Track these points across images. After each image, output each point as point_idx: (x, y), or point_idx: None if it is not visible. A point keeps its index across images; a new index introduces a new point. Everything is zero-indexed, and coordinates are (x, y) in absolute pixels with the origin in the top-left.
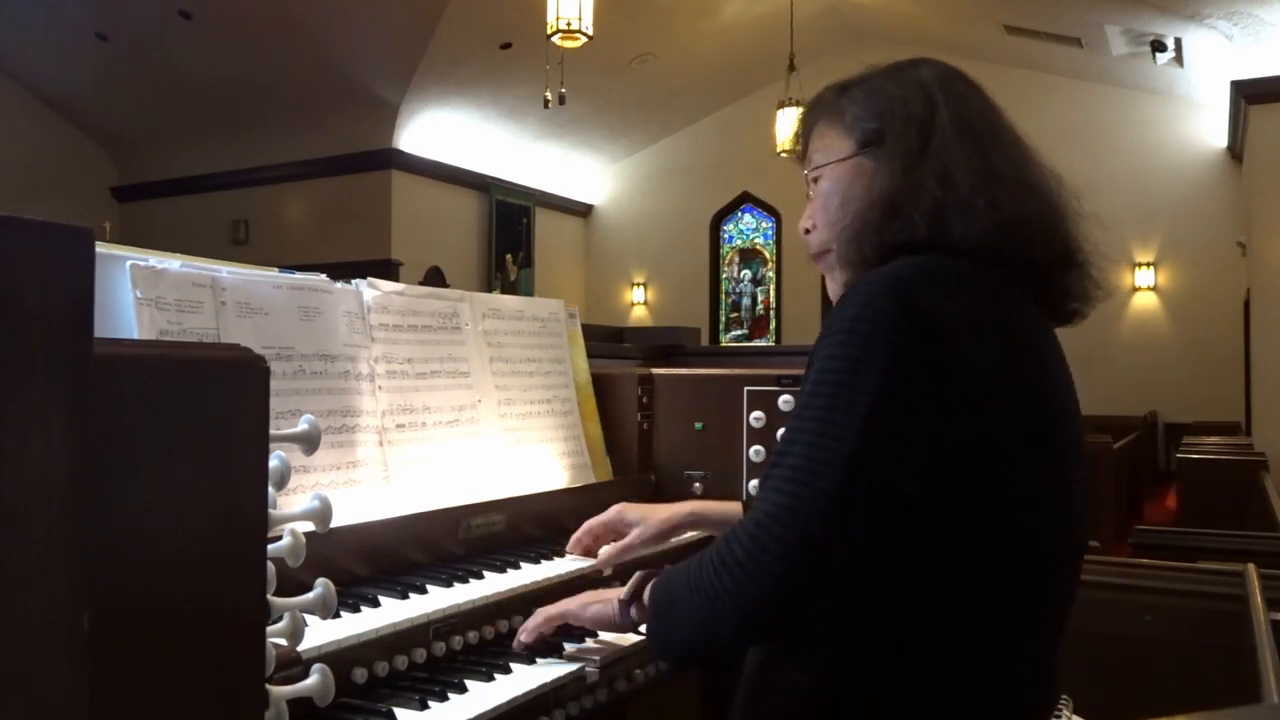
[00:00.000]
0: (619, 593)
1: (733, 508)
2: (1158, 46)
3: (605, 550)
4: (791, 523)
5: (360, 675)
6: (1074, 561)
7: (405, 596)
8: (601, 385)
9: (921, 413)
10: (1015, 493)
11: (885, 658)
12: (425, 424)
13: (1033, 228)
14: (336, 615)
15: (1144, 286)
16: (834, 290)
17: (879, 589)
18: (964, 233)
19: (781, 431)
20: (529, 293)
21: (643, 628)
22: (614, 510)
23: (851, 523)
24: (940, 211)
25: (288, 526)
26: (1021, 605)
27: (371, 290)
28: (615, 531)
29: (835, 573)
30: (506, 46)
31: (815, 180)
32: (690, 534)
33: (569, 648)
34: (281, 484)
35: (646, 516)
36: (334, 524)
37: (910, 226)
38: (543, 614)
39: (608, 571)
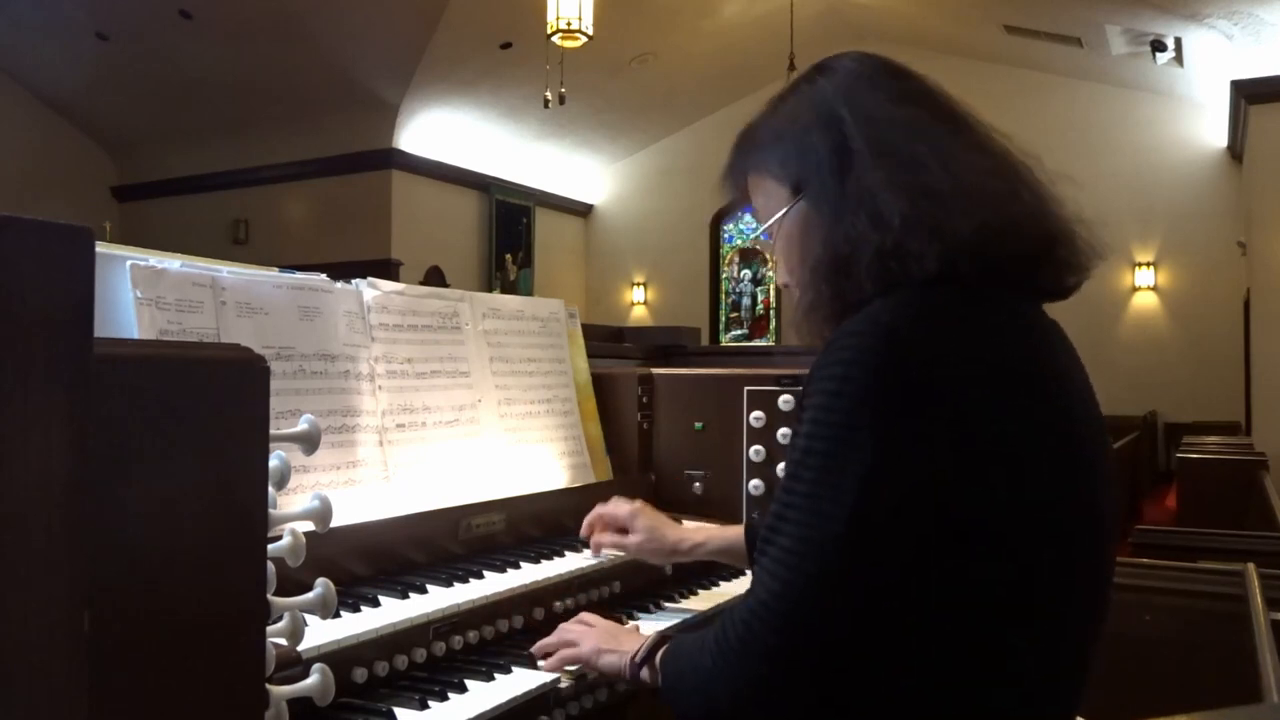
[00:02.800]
0: (634, 642)
1: (733, 534)
2: (1158, 46)
3: (606, 538)
4: (783, 611)
5: (360, 675)
6: (1100, 569)
7: (405, 596)
8: (601, 385)
9: (923, 475)
10: (1027, 508)
11: (889, 682)
12: (425, 424)
13: (993, 232)
14: (336, 615)
15: (1144, 286)
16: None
17: (881, 627)
18: (920, 272)
19: (781, 433)
20: (529, 293)
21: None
22: (629, 510)
23: (844, 602)
24: (883, 258)
25: (288, 526)
26: (1043, 675)
27: (371, 290)
28: (623, 528)
29: (830, 649)
30: (506, 46)
31: (772, 236)
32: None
33: None
34: (281, 484)
35: (653, 532)
36: (334, 524)
37: (859, 286)
38: (560, 654)
39: (606, 563)
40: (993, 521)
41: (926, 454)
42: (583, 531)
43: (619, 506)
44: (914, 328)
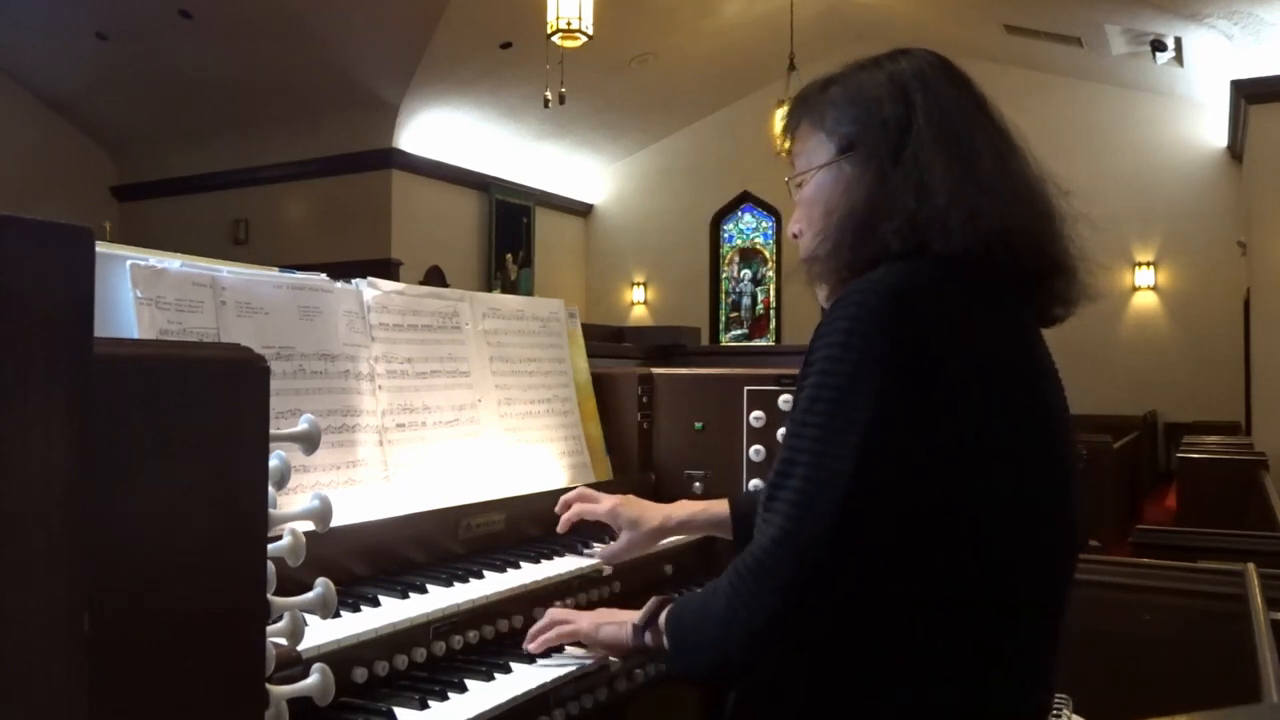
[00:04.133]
0: (632, 615)
1: (720, 508)
2: (1158, 46)
3: (601, 550)
4: (795, 547)
5: (360, 675)
6: (1071, 563)
7: (405, 596)
8: (601, 385)
9: (919, 428)
10: (1016, 499)
11: (882, 661)
12: (425, 424)
13: (1015, 238)
14: (336, 615)
15: (1144, 286)
16: (821, 298)
17: (878, 597)
18: (942, 248)
19: (782, 432)
20: (529, 292)
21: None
22: (608, 507)
23: (853, 542)
24: (915, 226)
25: (288, 526)
26: (1021, 610)
27: (371, 290)
28: (606, 527)
29: (840, 590)
30: (506, 46)
31: (800, 185)
32: (685, 536)
33: (568, 647)
34: (281, 484)
35: (638, 522)
36: (334, 524)
37: (884, 243)
38: (555, 630)
39: (608, 570)
40: (990, 516)
41: (923, 402)
42: (562, 527)
43: (594, 507)
44: (915, 290)
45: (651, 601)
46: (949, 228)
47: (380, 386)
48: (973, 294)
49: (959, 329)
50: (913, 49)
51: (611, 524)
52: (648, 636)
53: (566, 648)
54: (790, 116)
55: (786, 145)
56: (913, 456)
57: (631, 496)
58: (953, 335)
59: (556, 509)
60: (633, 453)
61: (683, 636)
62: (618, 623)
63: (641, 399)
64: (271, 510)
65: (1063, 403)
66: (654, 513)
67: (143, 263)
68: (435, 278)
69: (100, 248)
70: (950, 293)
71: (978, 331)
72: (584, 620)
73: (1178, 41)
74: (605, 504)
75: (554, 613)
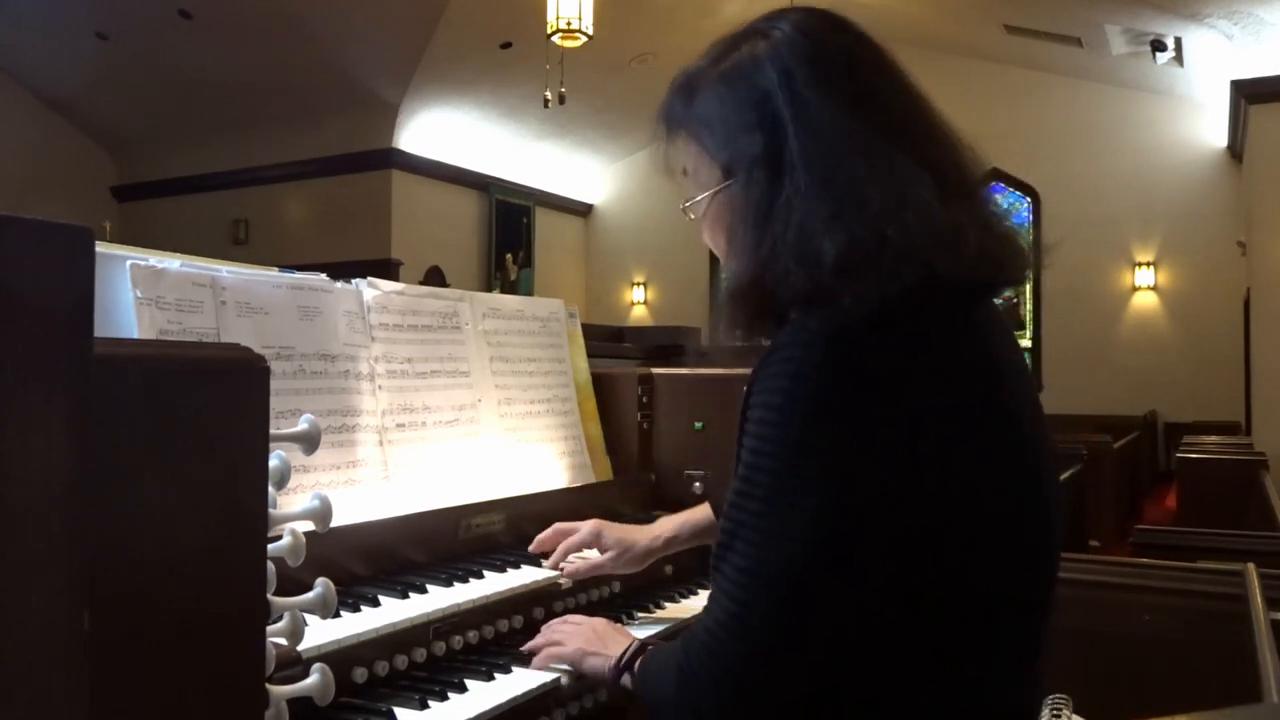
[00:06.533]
0: (619, 646)
1: (702, 516)
2: (1158, 46)
3: (573, 565)
4: (743, 633)
5: (360, 675)
6: (1050, 565)
7: (405, 596)
8: (601, 385)
9: (878, 483)
10: (991, 537)
11: (850, 692)
12: (425, 424)
13: (936, 282)
14: (336, 615)
15: (1144, 286)
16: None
17: (850, 652)
18: (856, 310)
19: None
20: (529, 292)
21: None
22: (589, 530)
23: (806, 620)
24: (814, 297)
25: (288, 526)
26: (997, 659)
27: (371, 290)
28: (588, 547)
29: (797, 666)
30: (506, 46)
31: (702, 211)
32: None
33: None
34: (281, 484)
35: (624, 544)
36: (334, 524)
37: (778, 305)
38: (545, 652)
39: (626, 570)
40: (954, 537)
41: (881, 453)
42: (533, 547)
43: (578, 535)
44: (856, 332)
45: (634, 645)
46: (854, 298)
47: (380, 386)
48: (911, 310)
49: (902, 356)
50: (781, 18)
51: (597, 545)
52: (626, 679)
53: None
54: (667, 120)
55: (681, 166)
56: (872, 509)
57: (602, 520)
58: (897, 365)
59: (531, 548)
60: (633, 453)
61: (655, 706)
62: (603, 656)
63: (641, 399)
64: (271, 510)
65: (1031, 398)
66: (639, 534)
67: (143, 263)
68: (435, 278)
69: (100, 248)
70: (888, 319)
71: (922, 350)
72: (571, 645)
73: (1178, 41)
74: (584, 528)
75: (552, 627)
